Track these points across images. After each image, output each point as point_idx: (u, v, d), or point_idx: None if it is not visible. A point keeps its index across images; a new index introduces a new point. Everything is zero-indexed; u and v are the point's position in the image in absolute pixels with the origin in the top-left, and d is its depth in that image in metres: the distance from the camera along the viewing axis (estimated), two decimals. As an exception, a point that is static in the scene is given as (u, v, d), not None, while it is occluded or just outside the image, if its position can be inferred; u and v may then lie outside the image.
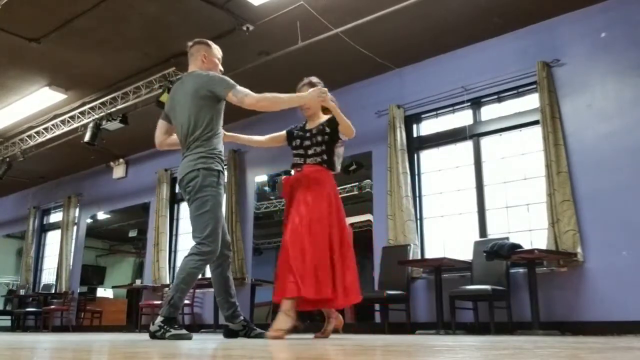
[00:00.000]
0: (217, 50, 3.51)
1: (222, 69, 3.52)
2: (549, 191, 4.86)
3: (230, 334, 3.42)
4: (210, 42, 3.51)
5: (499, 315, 4.70)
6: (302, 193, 3.40)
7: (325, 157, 3.47)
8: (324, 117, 3.57)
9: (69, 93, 6.94)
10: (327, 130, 3.47)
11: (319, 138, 3.47)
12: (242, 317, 3.42)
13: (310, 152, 3.48)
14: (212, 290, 7.22)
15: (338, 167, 3.55)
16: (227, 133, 3.58)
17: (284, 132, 3.71)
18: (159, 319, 3.01)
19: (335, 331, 3.65)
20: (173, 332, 2.97)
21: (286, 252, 3.22)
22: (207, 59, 3.42)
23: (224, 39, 5.49)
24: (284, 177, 3.72)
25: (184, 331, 3.06)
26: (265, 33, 5.48)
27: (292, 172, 3.57)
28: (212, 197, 3.18)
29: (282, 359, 1.48)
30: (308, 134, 3.53)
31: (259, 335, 3.34)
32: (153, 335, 2.98)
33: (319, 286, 3.16)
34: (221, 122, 3.36)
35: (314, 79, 3.70)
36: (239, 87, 3.23)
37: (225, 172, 3.42)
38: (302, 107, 3.56)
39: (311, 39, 5.42)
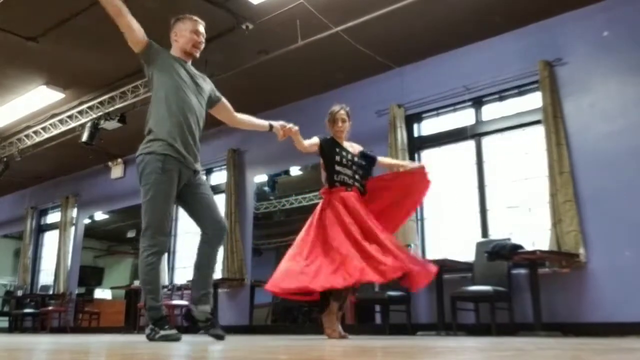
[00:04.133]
0: (190, 23, 3.26)
1: (201, 40, 3.28)
2: (551, 191, 4.83)
3: (189, 318, 3.21)
4: (183, 16, 3.30)
5: (501, 316, 4.67)
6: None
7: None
8: (348, 144, 4.02)
9: (66, 92, 6.90)
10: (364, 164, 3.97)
11: (360, 171, 3.90)
12: (209, 308, 3.13)
13: (357, 177, 3.88)
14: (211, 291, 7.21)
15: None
16: (294, 129, 3.64)
17: (317, 141, 3.93)
18: (149, 323, 2.98)
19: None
20: (162, 333, 2.91)
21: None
22: (178, 35, 3.25)
23: (224, 37, 5.47)
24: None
25: (173, 332, 2.97)
26: (264, 32, 5.45)
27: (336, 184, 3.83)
28: (152, 185, 2.97)
29: (282, 361, 1.44)
30: (350, 157, 3.91)
31: (218, 337, 3.03)
32: (147, 338, 2.97)
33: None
34: (172, 97, 3.12)
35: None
36: None
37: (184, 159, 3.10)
38: (336, 127, 3.96)
39: (311, 37, 5.40)
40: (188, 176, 3.11)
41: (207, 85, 3.35)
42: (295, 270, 3.49)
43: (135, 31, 3.06)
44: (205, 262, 3.16)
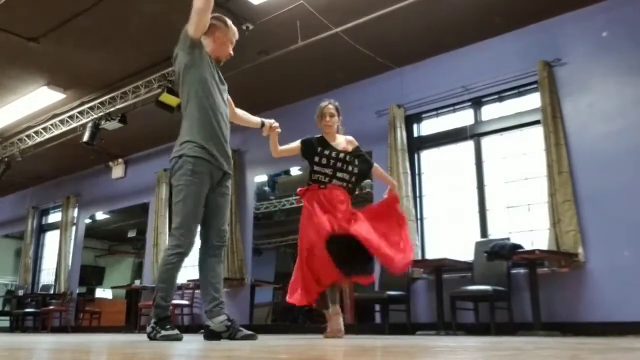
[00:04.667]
0: (233, 35, 3.27)
1: (231, 52, 3.31)
2: (550, 191, 4.84)
3: (211, 335, 3.05)
4: (228, 22, 3.26)
5: (500, 315, 4.68)
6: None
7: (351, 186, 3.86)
8: (343, 137, 3.95)
9: (67, 93, 6.92)
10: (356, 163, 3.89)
11: (348, 167, 3.83)
12: (225, 317, 3.04)
13: (340, 174, 3.81)
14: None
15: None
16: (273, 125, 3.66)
17: (298, 144, 3.91)
18: (152, 320, 2.98)
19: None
20: (163, 332, 2.90)
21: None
22: (220, 39, 3.21)
23: (224, 38, 5.47)
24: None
25: (175, 332, 2.96)
26: (265, 32, 5.46)
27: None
28: (184, 187, 3.00)
29: (282, 360, 1.46)
30: (334, 154, 3.83)
31: (247, 337, 3.01)
32: (149, 337, 2.96)
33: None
34: (206, 95, 3.10)
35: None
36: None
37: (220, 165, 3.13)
38: (324, 122, 3.91)
39: (311, 38, 5.41)
40: (219, 177, 3.13)
41: (226, 85, 3.36)
42: None
43: (207, 16, 3.02)
44: (213, 274, 3.13)
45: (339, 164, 3.81)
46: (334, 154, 3.82)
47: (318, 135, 3.94)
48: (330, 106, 3.93)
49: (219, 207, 3.16)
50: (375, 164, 4.07)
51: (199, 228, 3.09)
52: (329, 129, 3.91)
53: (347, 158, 3.84)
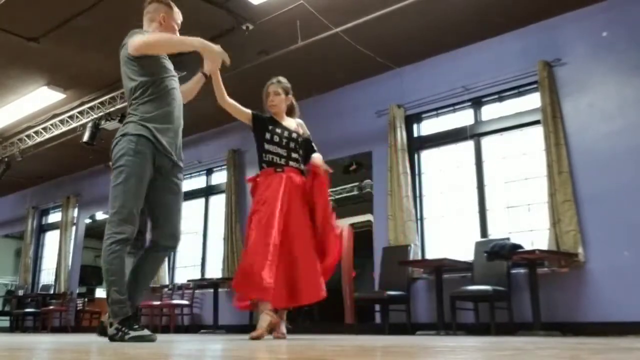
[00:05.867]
0: (177, 14, 3.10)
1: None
2: (550, 191, 4.84)
3: (103, 331, 2.75)
4: (172, 4, 3.10)
5: (500, 315, 4.68)
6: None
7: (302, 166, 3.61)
8: (293, 120, 3.72)
9: (67, 93, 6.92)
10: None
11: (302, 150, 3.61)
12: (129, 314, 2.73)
13: (295, 155, 3.57)
14: (212, 290, 7.21)
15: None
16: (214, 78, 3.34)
17: (249, 112, 3.61)
18: (114, 321, 2.65)
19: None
20: (132, 334, 2.60)
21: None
22: (166, 22, 3.03)
23: (224, 38, 5.47)
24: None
25: (145, 332, 2.66)
26: (265, 32, 5.46)
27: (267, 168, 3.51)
28: (124, 168, 2.76)
29: (282, 360, 1.46)
30: (287, 133, 3.58)
31: (135, 339, 2.64)
32: (112, 339, 2.65)
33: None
34: (156, 78, 2.88)
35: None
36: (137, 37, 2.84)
37: (164, 141, 2.83)
38: (268, 102, 3.66)
39: (311, 38, 5.41)
40: (164, 164, 2.86)
41: (179, 73, 3.24)
42: None
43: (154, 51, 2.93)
44: (151, 269, 2.95)
45: (292, 144, 3.55)
46: (286, 133, 3.56)
47: (267, 115, 3.66)
48: (275, 84, 3.68)
49: (168, 206, 2.92)
50: (316, 153, 3.67)
51: (139, 215, 2.82)
52: (275, 108, 3.64)
53: (299, 140, 3.60)
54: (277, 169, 3.48)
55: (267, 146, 3.51)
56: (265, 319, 3.26)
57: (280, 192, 3.38)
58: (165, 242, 2.92)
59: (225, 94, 3.48)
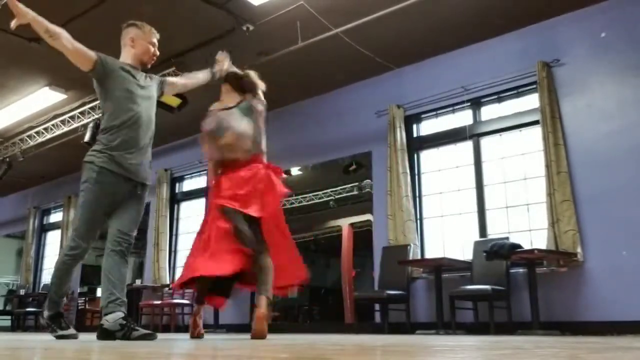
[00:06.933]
0: (150, 34, 3.23)
1: (157, 53, 3.27)
2: (549, 191, 4.86)
3: (104, 334, 2.89)
4: (140, 23, 3.24)
5: (499, 315, 4.70)
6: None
7: None
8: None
9: (68, 93, 6.93)
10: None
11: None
12: (121, 315, 2.91)
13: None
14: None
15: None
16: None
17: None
18: (46, 314, 3.04)
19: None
20: (59, 332, 2.96)
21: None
22: (135, 42, 3.20)
23: (224, 39, 5.49)
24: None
25: (70, 331, 3.03)
26: (265, 33, 5.47)
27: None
28: (85, 194, 3.06)
29: (283, 359, 1.48)
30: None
31: (144, 337, 2.88)
32: (44, 329, 3.08)
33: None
34: (120, 109, 3.08)
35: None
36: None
37: (127, 166, 3.10)
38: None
39: (311, 39, 5.42)
40: (125, 188, 3.10)
41: (154, 84, 3.31)
42: None
43: (83, 53, 3.10)
44: (111, 271, 3.04)
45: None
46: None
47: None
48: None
49: (124, 210, 3.13)
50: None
51: (95, 234, 3.10)
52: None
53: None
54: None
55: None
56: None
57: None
58: (119, 237, 3.08)
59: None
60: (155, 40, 3.25)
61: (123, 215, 3.13)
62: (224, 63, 3.56)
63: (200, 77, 3.55)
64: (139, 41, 3.19)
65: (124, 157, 3.06)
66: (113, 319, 2.89)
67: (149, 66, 3.29)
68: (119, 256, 3.06)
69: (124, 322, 2.88)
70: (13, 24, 3.02)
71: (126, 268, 3.11)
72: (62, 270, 3.06)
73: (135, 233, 3.20)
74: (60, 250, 3.17)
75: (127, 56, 3.22)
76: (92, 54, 3.08)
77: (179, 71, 5.99)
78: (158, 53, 3.29)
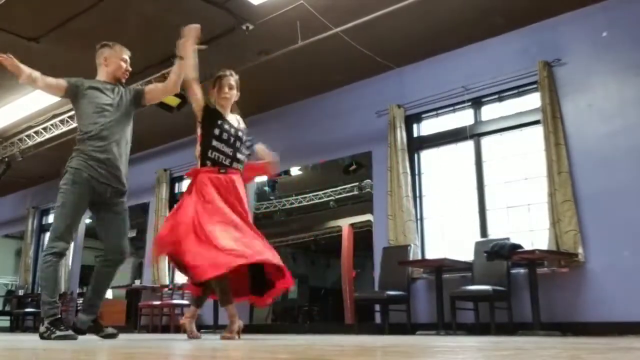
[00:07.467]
0: (120, 51, 3.48)
1: (129, 68, 3.51)
2: (550, 191, 4.85)
3: (77, 331, 3.28)
4: (112, 43, 3.48)
5: (500, 315, 4.69)
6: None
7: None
8: (234, 116, 3.62)
9: (68, 93, 6.92)
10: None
11: (245, 150, 3.57)
12: (92, 318, 3.39)
13: (240, 156, 3.52)
14: (212, 290, 7.18)
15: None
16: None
17: (202, 100, 3.51)
18: (45, 320, 3.12)
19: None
20: (58, 333, 3.06)
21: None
22: (108, 60, 3.46)
23: (224, 38, 5.48)
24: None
25: (69, 332, 3.13)
26: (265, 32, 5.46)
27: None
28: (63, 195, 3.23)
29: (282, 360, 1.46)
30: (234, 131, 3.51)
31: (110, 336, 3.35)
32: (42, 337, 3.08)
33: None
34: (90, 123, 3.33)
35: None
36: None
37: (102, 172, 3.30)
38: (222, 94, 3.55)
39: (311, 38, 5.41)
40: (102, 191, 3.30)
41: (129, 97, 3.48)
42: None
43: (54, 85, 3.42)
44: (103, 280, 3.44)
45: (237, 144, 3.48)
46: (232, 131, 3.48)
47: (213, 107, 3.54)
48: (230, 77, 3.58)
49: (111, 225, 3.40)
50: (259, 144, 3.73)
51: (73, 233, 3.30)
52: (226, 101, 3.54)
53: (244, 138, 3.54)
54: (222, 169, 3.44)
55: (214, 142, 3.43)
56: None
57: (222, 195, 3.39)
58: (111, 256, 3.40)
59: (194, 71, 3.50)
60: (126, 57, 3.50)
61: (110, 228, 3.40)
62: (187, 40, 3.43)
63: (174, 70, 3.52)
64: (111, 59, 3.46)
65: (98, 161, 3.29)
66: (83, 320, 3.36)
67: (124, 80, 3.54)
68: (114, 267, 3.43)
69: (92, 323, 3.35)
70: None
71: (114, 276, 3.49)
72: (48, 270, 3.19)
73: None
74: (42, 253, 3.30)
75: (102, 74, 3.49)
76: (62, 83, 3.40)
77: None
78: (130, 69, 3.53)
